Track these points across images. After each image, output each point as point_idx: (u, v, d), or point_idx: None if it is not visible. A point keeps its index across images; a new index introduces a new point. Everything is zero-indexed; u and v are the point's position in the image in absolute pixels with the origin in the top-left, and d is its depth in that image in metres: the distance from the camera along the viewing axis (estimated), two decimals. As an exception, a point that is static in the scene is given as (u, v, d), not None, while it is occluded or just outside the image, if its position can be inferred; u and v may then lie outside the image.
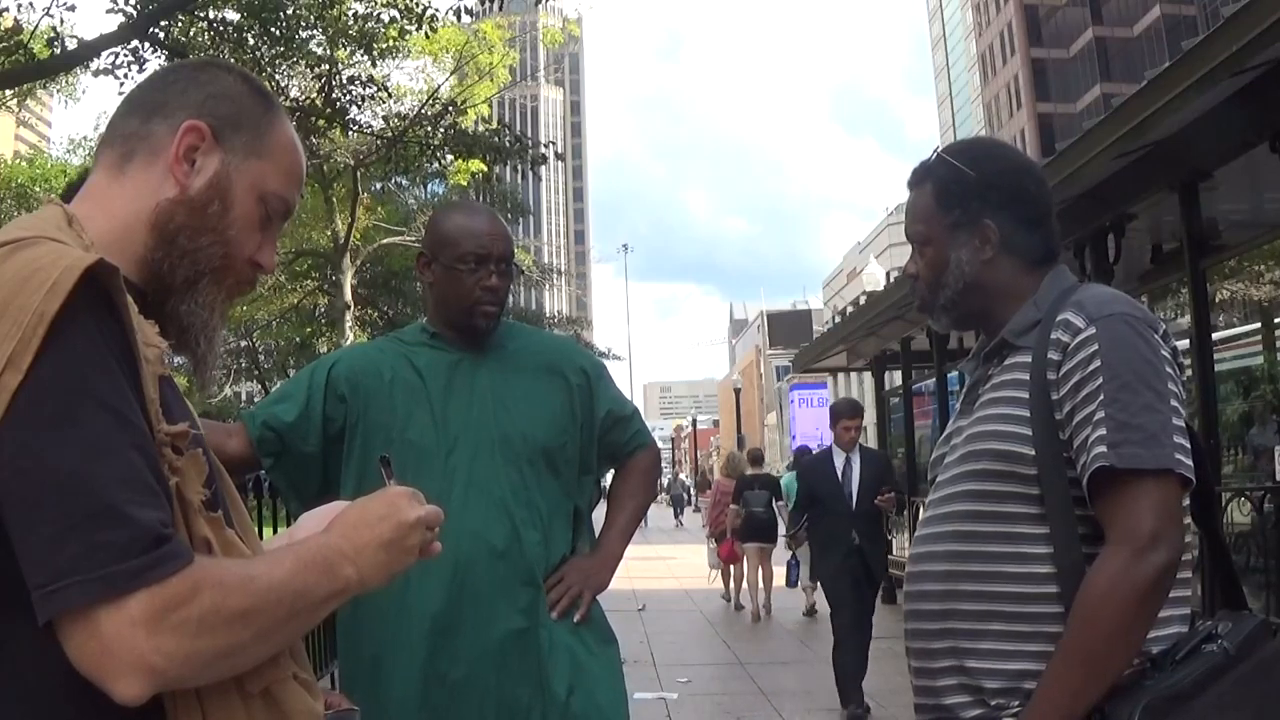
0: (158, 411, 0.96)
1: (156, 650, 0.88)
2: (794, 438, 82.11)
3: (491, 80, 18.62)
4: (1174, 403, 1.46)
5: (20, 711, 0.91)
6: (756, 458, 12.30)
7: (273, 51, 11.61)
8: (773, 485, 11.35)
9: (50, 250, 0.95)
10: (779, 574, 10.06)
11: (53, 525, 0.87)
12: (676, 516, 32.74)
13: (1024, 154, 1.85)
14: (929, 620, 1.58)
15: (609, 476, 2.51)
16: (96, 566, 0.86)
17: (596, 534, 2.41)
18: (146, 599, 0.88)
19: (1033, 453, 1.50)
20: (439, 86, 17.92)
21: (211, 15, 11.00)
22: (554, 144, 14.49)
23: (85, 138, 19.41)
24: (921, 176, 1.70)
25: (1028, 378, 1.53)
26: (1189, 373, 6.17)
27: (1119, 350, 1.46)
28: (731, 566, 11.94)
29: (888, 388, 14.79)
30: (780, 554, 10.14)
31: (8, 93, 13.24)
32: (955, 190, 1.64)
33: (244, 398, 30.09)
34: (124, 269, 1.02)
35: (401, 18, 11.82)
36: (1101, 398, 1.44)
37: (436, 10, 11.87)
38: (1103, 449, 1.42)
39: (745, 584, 11.44)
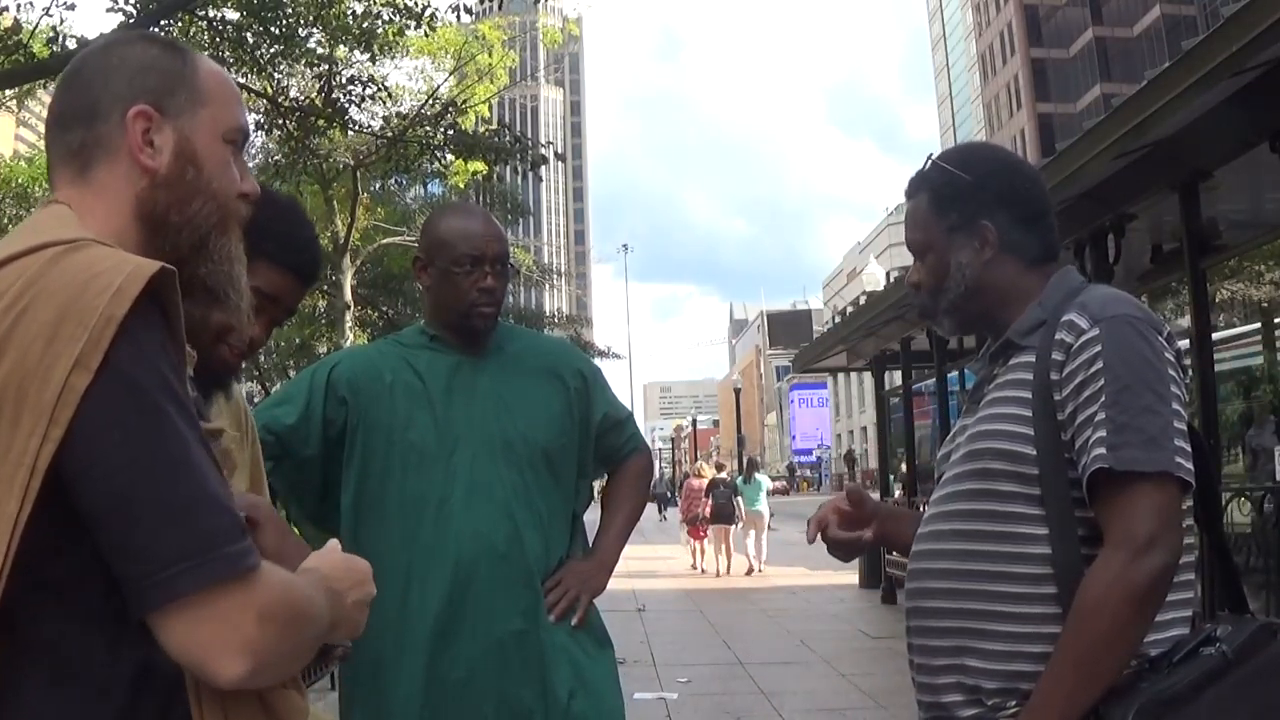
0: (199, 407, 1.01)
1: (262, 636, 0.90)
2: (794, 437, 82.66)
3: (491, 81, 18.60)
4: (1175, 405, 1.46)
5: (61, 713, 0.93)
6: (719, 465, 18.01)
7: (272, 51, 11.61)
8: (732, 485, 16.00)
9: (106, 255, 0.96)
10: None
11: (155, 515, 0.88)
12: (660, 511, 33.72)
13: (1016, 154, 1.85)
14: (931, 618, 1.58)
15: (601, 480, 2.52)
16: (209, 549, 0.89)
17: (589, 535, 2.41)
18: (256, 583, 0.91)
19: (1034, 452, 1.50)
20: (439, 86, 17.91)
21: (211, 15, 10.99)
22: (553, 144, 14.48)
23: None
24: (917, 185, 1.70)
25: (1031, 377, 1.53)
26: (1189, 373, 6.16)
27: (1121, 352, 1.46)
28: (696, 542, 16.60)
29: (888, 388, 14.79)
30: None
31: (8, 93, 13.22)
32: (950, 194, 1.65)
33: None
34: None
35: (400, 16, 11.81)
36: (1103, 399, 1.44)
37: (436, 9, 11.88)
38: (1102, 450, 1.42)
39: (715, 553, 15.88)
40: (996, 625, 1.49)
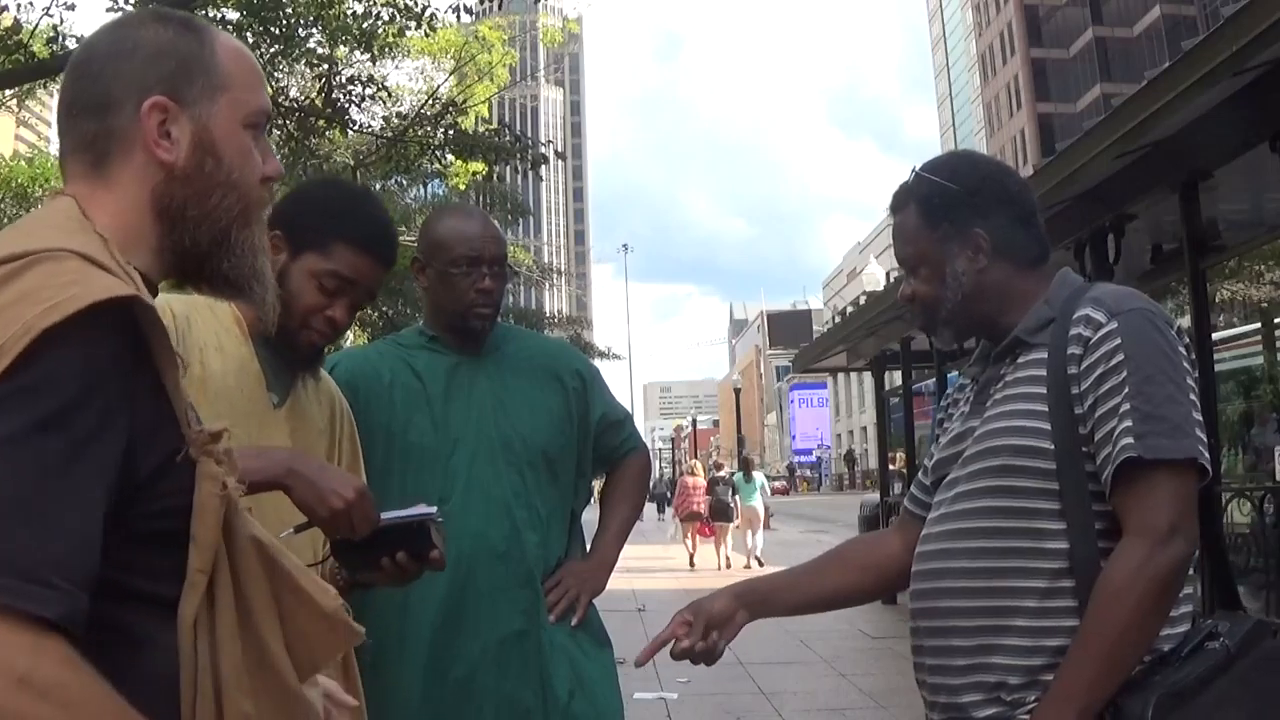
0: (193, 416, 0.95)
1: None
2: (794, 437, 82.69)
3: (491, 80, 18.60)
4: (1193, 396, 1.48)
5: None
6: (718, 465, 18.88)
7: (272, 51, 11.60)
8: (731, 484, 16.75)
9: (69, 270, 0.91)
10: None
11: None
12: (660, 511, 34.07)
13: (999, 160, 1.86)
14: (950, 618, 1.57)
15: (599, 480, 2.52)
16: None
17: (588, 535, 2.42)
18: (5, 626, 0.81)
19: (1052, 446, 1.50)
20: (439, 86, 17.92)
21: (211, 15, 10.99)
22: (553, 144, 14.50)
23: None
24: (903, 199, 1.70)
25: (1045, 373, 1.54)
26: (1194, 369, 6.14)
27: (1141, 344, 1.48)
28: (705, 539, 17.06)
29: (888, 388, 14.79)
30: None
31: (8, 93, 13.22)
32: (939, 204, 1.65)
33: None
34: (140, 262, 1.02)
35: (400, 16, 11.82)
36: (1127, 390, 1.46)
37: (436, 9, 11.88)
38: (1130, 440, 1.43)
39: (716, 548, 16.74)
40: (1019, 621, 1.50)
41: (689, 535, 17.37)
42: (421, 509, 1.68)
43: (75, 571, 0.85)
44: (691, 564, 16.87)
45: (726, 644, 1.71)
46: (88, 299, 0.88)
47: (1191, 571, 1.51)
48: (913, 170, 1.72)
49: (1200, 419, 1.48)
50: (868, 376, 18.52)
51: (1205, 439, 1.47)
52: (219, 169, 1.06)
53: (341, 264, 1.80)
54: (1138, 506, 1.43)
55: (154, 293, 1.05)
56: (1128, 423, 1.44)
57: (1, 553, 0.83)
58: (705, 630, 1.68)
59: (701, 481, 17.45)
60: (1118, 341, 1.48)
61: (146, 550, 0.94)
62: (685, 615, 1.70)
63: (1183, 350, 1.51)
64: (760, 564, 15.92)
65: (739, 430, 46.46)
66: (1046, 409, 1.52)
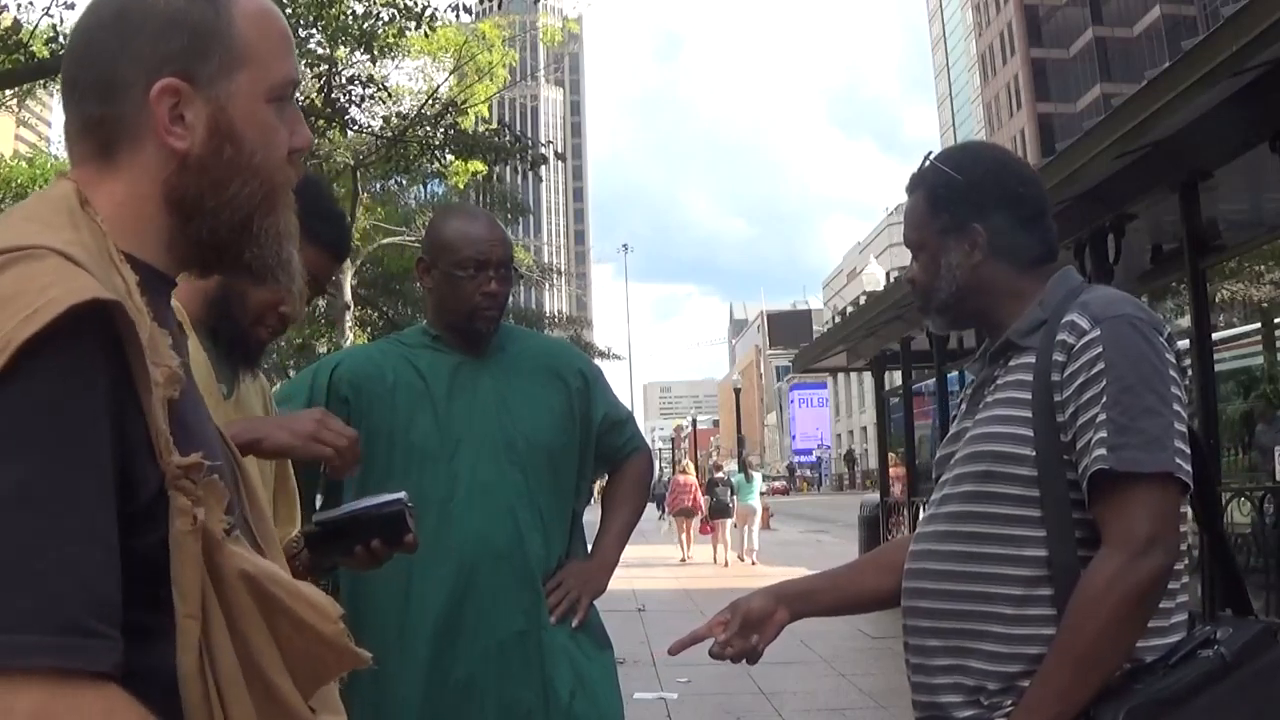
0: (167, 443, 0.86)
1: None
2: (794, 437, 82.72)
3: (491, 80, 18.61)
4: (1176, 406, 1.46)
5: None
6: (717, 466, 19.70)
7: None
8: (730, 483, 17.31)
9: (47, 270, 0.82)
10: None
11: None
12: (660, 510, 34.35)
13: (1015, 155, 1.82)
14: (928, 619, 1.58)
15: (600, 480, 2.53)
16: None
17: (589, 535, 2.42)
18: (43, 687, 0.72)
19: (1033, 453, 1.49)
20: (439, 86, 17.92)
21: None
22: (553, 144, 14.53)
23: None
24: (916, 183, 1.71)
25: (1031, 378, 1.53)
26: (1188, 373, 6.14)
27: (1123, 352, 1.46)
28: (694, 535, 17.88)
29: (888, 388, 14.80)
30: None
31: (8, 93, 13.23)
32: (943, 195, 1.65)
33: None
34: (146, 255, 0.95)
35: (400, 16, 11.83)
36: (1105, 400, 1.44)
37: (435, 9, 11.90)
38: (1103, 451, 1.42)
39: (716, 544, 17.27)
40: (994, 627, 1.49)
41: (682, 531, 17.99)
42: (387, 496, 1.67)
43: (110, 612, 0.77)
44: (683, 560, 17.35)
45: (766, 645, 1.69)
46: (68, 301, 0.80)
47: (1186, 580, 1.50)
48: (926, 155, 1.72)
49: (1183, 430, 1.45)
50: (868, 376, 18.56)
51: (1187, 451, 1.44)
52: (239, 154, 0.96)
53: (305, 262, 1.80)
54: (1115, 518, 1.42)
55: (169, 288, 1.00)
56: (1102, 434, 1.42)
57: (32, 606, 0.73)
58: (742, 629, 1.68)
59: (692, 479, 18.28)
60: (1099, 350, 1.46)
61: (143, 576, 0.86)
62: (723, 614, 1.69)
63: (1170, 358, 1.48)
64: (754, 562, 16.46)
65: (739, 430, 46.46)
66: (1030, 415, 1.51)
